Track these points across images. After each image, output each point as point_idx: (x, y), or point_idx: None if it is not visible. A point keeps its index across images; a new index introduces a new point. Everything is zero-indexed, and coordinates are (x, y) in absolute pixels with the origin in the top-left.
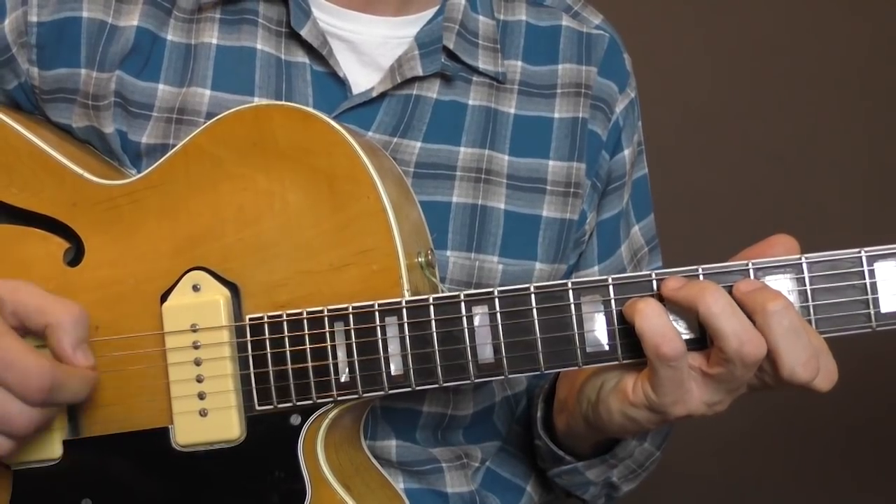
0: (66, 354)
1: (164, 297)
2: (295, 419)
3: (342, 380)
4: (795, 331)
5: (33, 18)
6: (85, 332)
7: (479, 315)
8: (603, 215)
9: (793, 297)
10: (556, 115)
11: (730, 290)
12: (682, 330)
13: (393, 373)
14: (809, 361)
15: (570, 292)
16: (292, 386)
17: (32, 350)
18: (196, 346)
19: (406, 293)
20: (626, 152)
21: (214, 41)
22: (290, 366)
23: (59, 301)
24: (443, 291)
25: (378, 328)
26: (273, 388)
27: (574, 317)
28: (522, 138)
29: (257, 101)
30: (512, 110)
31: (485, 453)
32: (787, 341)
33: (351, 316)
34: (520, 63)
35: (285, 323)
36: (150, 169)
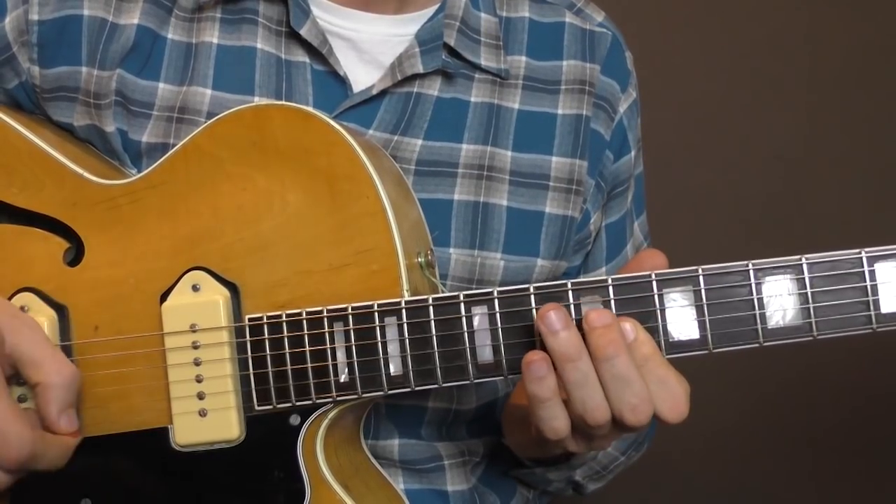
0: (51, 419)
1: (163, 297)
2: (294, 419)
3: (341, 380)
4: (624, 379)
5: (34, 17)
6: (74, 397)
7: (479, 315)
8: (611, 218)
9: (793, 299)
10: (560, 112)
11: (580, 321)
12: (682, 333)
13: (392, 373)
14: (638, 407)
15: (570, 293)
16: (291, 386)
17: (17, 416)
18: (195, 347)
19: (405, 293)
20: (632, 154)
21: (215, 41)
22: (289, 366)
23: (55, 359)
24: (443, 291)
25: (377, 328)
26: (272, 388)
27: (573, 318)
28: (526, 134)
29: (257, 100)
30: (516, 105)
31: (487, 448)
32: (615, 387)
33: (350, 316)
34: (524, 58)
35: (284, 323)
36: (149, 169)
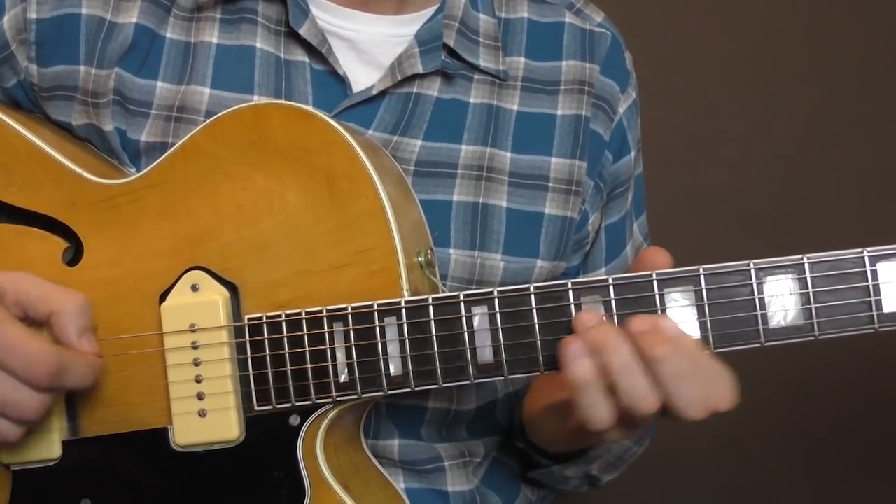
0: (71, 341)
1: (162, 297)
2: (294, 420)
3: (341, 380)
4: (681, 376)
5: (32, 15)
6: (89, 321)
7: (479, 315)
8: (610, 219)
9: (795, 298)
10: (559, 113)
11: (624, 323)
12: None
13: (392, 373)
14: (698, 400)
15: (570, 293)
16: (291, 387)
17: (36, 335)
18: (195, 347)
19: (405, 293)
20: (631, 154)
21: (214, 40)
22: (288, 366)
23: (62, 290)
24: (443, 291)
25: (377, 329)
26: (272, 388)
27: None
28: (525, 135)
29: (256, 99)
30: (515, 107)
31: (487, 449)
32: (674, 386)
33: (350, 316)
34: (523, 59)
35: (284, 323)
36: (149, 168)
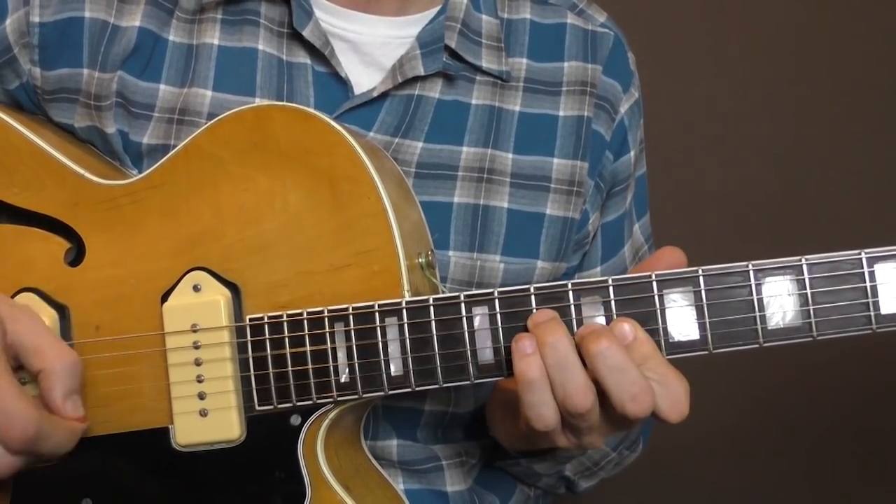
0: (56, 404)
1: (164, 297)
2: (295, 419)
3: (342, 380)
4: (619, 369)
5: (35, 19)
6: (78, 382)
7: (480, 316)
8: (607, 217)
9: (793, 299)
10: (561, 114)
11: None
12: (683, 333)
13: (393, 373)
14: (639, 396)
15: (571, 293)
16: (292, 386)
17: (23, 396)
18: (196, 347)
19: (406, 294)
20: (632, 154)
21: (216, 42)
22: (290, 366)
23: (56, 346)
24: (443, 292)
25: (378, 329)
26: (273, 388)
27: (574, 318)
28: (527, 136)
29: (258, 101)
30: (517, 108)
31: (484, 450)
32: (613, 379)
33: (351, 316)
34: (525, 60)
35: (286, 323)
36: (151, 169)
